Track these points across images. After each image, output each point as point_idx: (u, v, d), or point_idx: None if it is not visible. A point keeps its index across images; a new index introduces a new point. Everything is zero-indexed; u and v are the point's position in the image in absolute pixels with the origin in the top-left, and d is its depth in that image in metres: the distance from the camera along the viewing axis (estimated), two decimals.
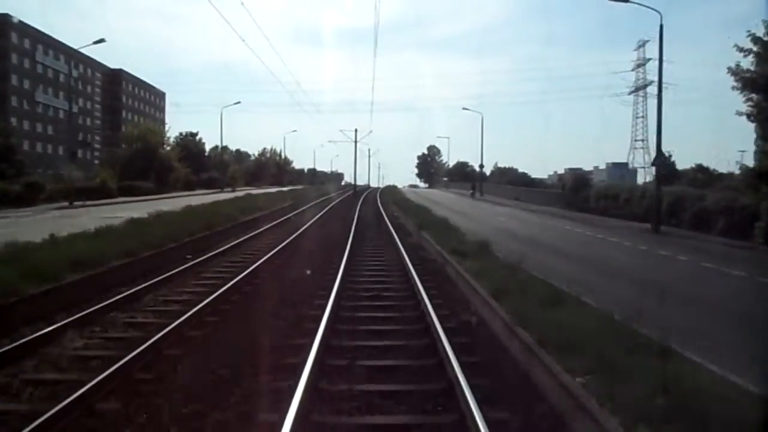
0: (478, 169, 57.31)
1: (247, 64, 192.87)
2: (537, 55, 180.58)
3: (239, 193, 38.76)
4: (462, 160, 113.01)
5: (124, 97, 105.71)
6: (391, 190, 78.09)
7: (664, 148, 23.88)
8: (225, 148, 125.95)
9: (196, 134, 69.43)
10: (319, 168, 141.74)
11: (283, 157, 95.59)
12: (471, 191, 62.95)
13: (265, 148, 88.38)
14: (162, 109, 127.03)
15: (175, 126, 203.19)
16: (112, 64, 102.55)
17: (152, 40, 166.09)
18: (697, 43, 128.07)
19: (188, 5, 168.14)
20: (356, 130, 57.22)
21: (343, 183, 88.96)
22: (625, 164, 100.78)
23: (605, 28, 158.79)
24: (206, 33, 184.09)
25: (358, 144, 61.68)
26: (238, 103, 65.06)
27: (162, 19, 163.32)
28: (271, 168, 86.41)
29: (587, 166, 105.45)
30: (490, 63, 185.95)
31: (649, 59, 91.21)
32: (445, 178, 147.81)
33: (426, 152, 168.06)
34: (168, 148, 51.70)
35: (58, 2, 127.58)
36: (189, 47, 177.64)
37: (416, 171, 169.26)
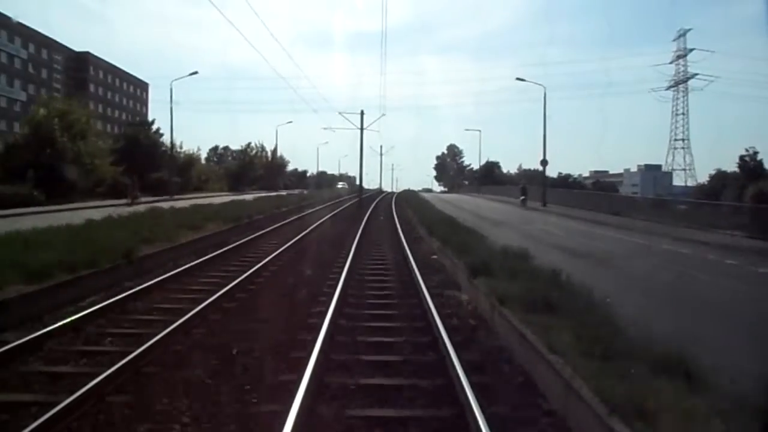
0: (540, 167, 39.15)
1: (254, 66, 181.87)
2: (549, 56, 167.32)
3: (140, 207, 21.42)
4: (492, 160, 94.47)
5: (91, 86, 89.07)
6: (410, 196, 60.25)
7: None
8: (216, 148, 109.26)
9: (151, 123, 52.13)
10: (329, 171, 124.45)
11: (278, 154, 77.96)
12: (522, 198, 45.03)
13: (250, 143, 70.44)
14: (144, 102, 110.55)
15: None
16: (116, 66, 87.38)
17: (156, 42, 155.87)
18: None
19: (192, 8, 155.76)
20: (362, 113, 39.68)
21: (339, 186, 69.41)
22: (659, 167, 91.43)
23: (606, 28, 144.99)
24: (211, 36, 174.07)
25: (368, 140, 44.26)
26: (195, 73, 47.57)
27: (165, 21, 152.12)
28: (258, 168, 68.68)
29: (614, 169, 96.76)
30: (503, 64, 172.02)
31: (691, 49, 78.76)
32: (467, 182, 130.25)
33: (445, 152, 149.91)
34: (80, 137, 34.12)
35: (60, 3, 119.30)
36: (194, 49, 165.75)
37: (434, 173, 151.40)
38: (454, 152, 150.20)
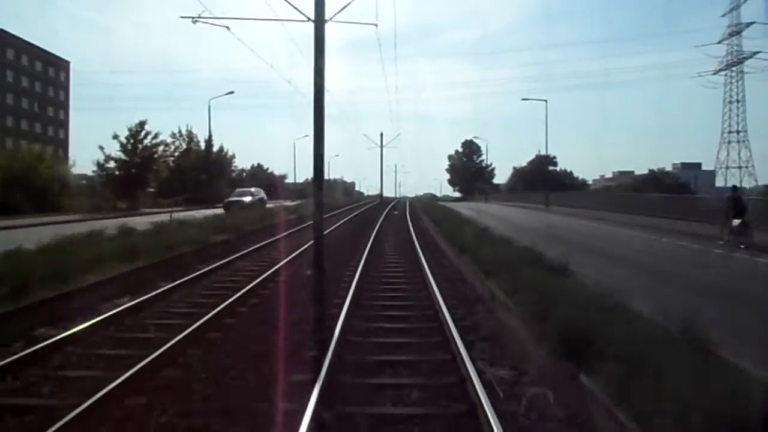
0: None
1: (253, 71, 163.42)
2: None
3: None
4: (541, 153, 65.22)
5: None
6: (435, 210, 31.06)
7: None
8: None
9: None
10: (331, 176, 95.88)
11: (218, 149, 49.05)
12: (735, 226, 16.29)
13: (143, 125, 38.53)
14: (62, 86, 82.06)
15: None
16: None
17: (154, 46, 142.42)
18: None
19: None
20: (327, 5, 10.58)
21: (247, 198, 37.57)
22: (698, 165, 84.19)
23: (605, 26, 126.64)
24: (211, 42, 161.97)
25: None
26: None
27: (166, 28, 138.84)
28: (162, 169, 38.79)
29: (642, 168, 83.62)
30: (511, 66, 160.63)
31: (752, 23, 63.57)
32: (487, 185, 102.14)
33: (459, 150, 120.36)
34: None
35: (58, 11, 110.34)
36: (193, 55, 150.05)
37: (447, 177, 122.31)
38: (470, 150, 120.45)
